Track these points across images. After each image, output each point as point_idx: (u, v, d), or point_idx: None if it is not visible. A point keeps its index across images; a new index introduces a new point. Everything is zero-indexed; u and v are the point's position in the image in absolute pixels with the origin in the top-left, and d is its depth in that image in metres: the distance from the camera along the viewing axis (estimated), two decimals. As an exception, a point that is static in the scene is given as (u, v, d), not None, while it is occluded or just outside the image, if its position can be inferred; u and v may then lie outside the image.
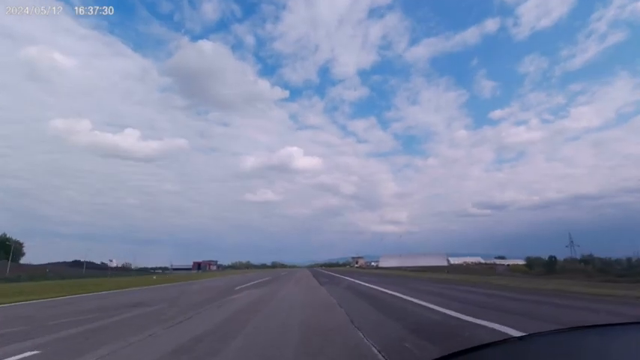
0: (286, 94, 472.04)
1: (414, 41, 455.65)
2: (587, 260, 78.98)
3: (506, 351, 1.24)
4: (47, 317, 7.71)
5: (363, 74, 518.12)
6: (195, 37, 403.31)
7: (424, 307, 8.26)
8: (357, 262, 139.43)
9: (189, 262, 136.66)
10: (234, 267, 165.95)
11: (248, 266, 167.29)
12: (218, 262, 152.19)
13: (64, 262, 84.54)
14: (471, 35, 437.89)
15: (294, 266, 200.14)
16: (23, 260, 74.90)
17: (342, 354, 4.28)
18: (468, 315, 6.54)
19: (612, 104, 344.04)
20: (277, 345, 4.78)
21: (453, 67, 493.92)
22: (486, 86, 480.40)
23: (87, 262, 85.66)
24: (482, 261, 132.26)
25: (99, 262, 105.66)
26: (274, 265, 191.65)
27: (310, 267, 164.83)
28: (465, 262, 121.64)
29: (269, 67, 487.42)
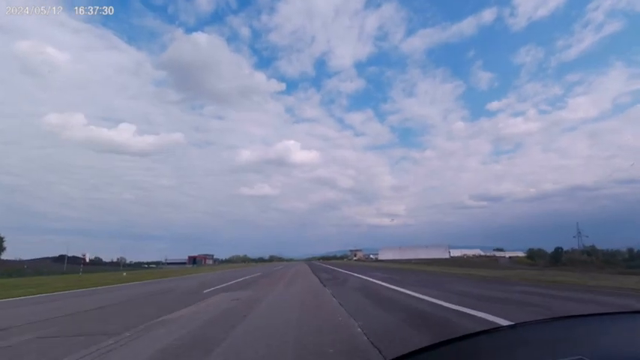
0: (282, 86, 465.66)
1: (410, 32, 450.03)
2: (590, 252, 75.61)
3: (498, 339, 1.27)
4: None
5: (360, 66, 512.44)
6: (189, 30, 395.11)
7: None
8: (355, 255, 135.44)
9: (186, 257, 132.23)
10: (231, 261, 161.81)
11: (245, 260, 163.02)
12: (214, 256, 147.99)
13: (49, 258, 79.58)
14: (467, 26, 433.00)
15: (291, 260, 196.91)
16: (5, 255, 70.36)
17: None
18: None
19: (608, 94, 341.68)
20: None
21: (449, 59, 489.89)
22: (483, 77, 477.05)
23: (73, 258, 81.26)
24: (482, 253, 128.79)
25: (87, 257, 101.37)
26: (271, 259, 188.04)
27: (307, 260, 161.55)
28: (464, 255, 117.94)
29: (265, 59, 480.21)
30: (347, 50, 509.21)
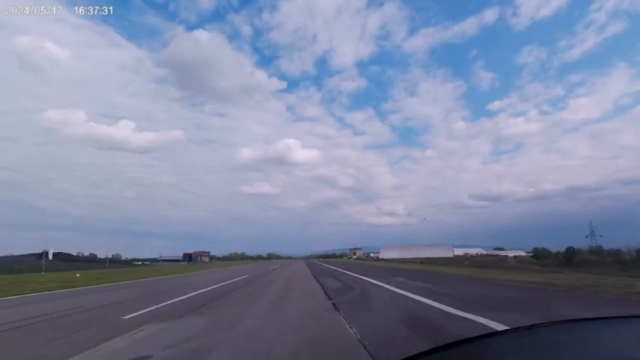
0: (284, 85, 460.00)
1: (412, 31, 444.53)
2: (597, 252, 70.72)
3: (506, 341, 1.21)
4: None
5: (361, 65, 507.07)
6: (190, 27, 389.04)
7: None
8: (354, 254, 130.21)
9: (182, 254, 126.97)
10: (229, 258, 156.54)
11: (243, 258, 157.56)
12: (211, 254, 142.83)
13: (34, 254, 74.42)
14: (470, 26, 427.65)
15: (289, 257, 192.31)
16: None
17: None
18: None
19: (610, 95, 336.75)
20: None
21: (451, 58, 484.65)
22: (485, 77, 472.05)
23: (60, 254, 76.67)
24: (484, 252, 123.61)
25: (75, 254, 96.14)
26: (270, 257, 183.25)
27: (306, 258, 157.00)
28: (466, 253, 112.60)
29: (266, 57, 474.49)
30: (349, 49, 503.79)
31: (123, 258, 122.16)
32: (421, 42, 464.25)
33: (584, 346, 1.11)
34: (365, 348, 3.91)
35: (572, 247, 73.53)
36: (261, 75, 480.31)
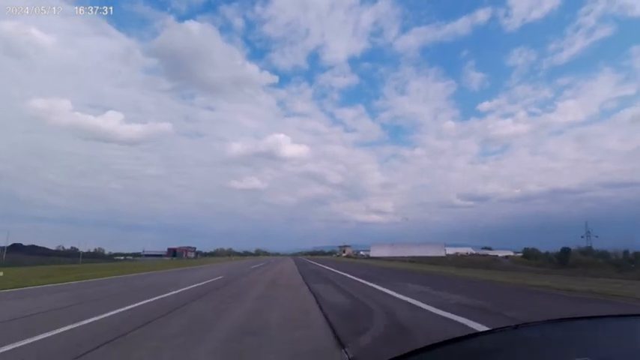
0: (275, 79, 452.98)
1: (404, 29, 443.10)
2: (586, 252, 69.55)
3: (502, 338, 1.20)
4: None
5: (353, 62, 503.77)
6: (181, 18, 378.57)
7: None
8: (344, 251, 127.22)
9: (166, 249, 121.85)
10: (215, 254, 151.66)
11: (230, 254, 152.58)
12: (197, 249, 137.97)
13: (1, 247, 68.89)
14: (462, 25, 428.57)
15: (277, 254, 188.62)
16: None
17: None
18: None
19: (596, 99, 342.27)
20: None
21: (442, 58, 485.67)
22: (475, 78, 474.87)
23: (33, 247, 71.74)
24: (473, 251, 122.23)
25: (55, 247, 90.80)
26: (257, 253, 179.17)
27: (294, 255, 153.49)
28: (457, 253, 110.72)
29: (258, 51, 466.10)
30: (341, 45, 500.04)
31: (106, 252, 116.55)
32: (413, 40, 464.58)
33: (571, 344, 1.11)
34: None
35: (568, 248, 72.22)
36: (252, 68, 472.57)
